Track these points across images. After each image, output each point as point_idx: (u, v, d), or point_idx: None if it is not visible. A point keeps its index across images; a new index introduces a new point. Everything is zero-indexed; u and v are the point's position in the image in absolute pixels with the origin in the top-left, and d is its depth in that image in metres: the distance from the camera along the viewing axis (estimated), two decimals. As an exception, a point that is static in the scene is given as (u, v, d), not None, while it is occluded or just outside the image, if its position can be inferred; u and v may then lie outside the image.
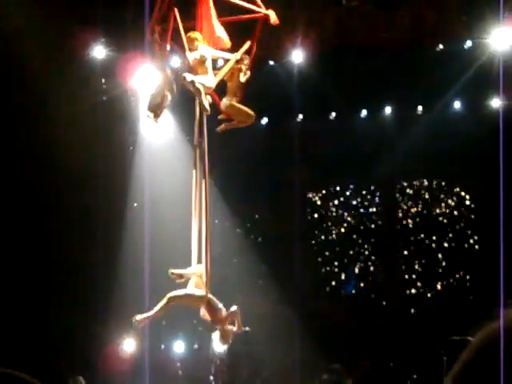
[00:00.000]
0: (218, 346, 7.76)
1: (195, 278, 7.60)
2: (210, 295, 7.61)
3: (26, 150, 14.53)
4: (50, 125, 14.33)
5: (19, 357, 13.61)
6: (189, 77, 7.48)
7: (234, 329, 7.70)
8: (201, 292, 7.58)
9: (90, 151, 14.86)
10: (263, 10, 7.84)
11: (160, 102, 7.90)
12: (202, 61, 7.64)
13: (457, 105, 17.08)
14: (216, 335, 7.75)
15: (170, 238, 14.09)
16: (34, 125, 14.32)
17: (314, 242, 19.39)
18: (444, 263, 18.73)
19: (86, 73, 14.56)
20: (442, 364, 10.95)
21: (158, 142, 14.87)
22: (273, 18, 7.85)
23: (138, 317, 7.48)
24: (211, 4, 7.76)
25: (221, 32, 7.87)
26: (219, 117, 8.13)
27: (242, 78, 7.88)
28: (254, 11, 7.89)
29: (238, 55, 7.87)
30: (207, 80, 7.63)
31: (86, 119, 14.67)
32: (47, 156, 14.51)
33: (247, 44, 7.94)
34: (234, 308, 7.72)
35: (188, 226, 7.89)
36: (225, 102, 7.96)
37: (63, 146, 14.30)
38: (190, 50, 7.64)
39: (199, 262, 7.68)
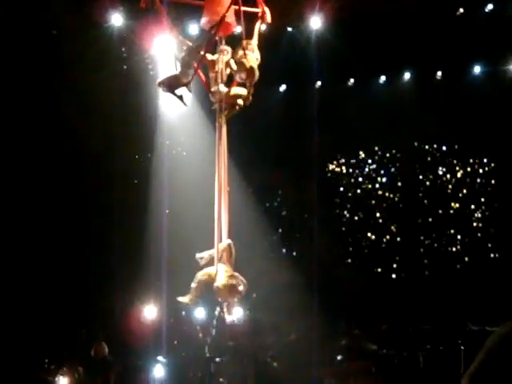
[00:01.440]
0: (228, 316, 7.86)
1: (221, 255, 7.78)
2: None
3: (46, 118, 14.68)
4: (70, 92, 14.45)
5: (44, 324, 13.90)
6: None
7: (241, 288, 7.78)
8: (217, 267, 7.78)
9: (111, 119, 14.97)
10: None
11: (184, 83, 7.92)
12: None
13: (477, 69, 16.94)
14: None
15: (192, 212, 14.25)
16: (54, 91, 14.45)
17: (334, 209, 19.37)
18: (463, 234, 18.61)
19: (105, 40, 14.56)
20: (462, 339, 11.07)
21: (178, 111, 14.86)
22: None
23: (181, 299, 7.80)
24: None
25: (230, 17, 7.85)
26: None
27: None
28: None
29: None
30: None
31: (106, 87, 14.74)
32: (67, 122, 14.65)
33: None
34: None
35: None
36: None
37: (83, 114, 14.43)
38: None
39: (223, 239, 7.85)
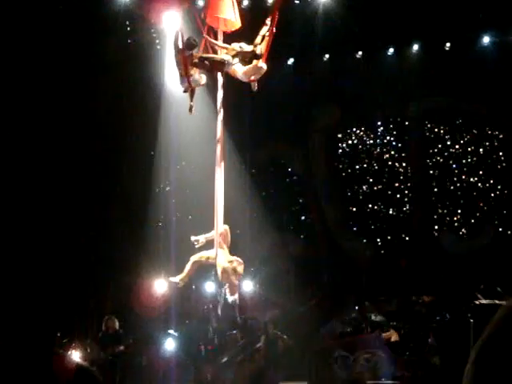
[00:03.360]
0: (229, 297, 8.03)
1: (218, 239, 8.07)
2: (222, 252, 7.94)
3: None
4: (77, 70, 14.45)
5: (55, 299, 13.99)
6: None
7: (239, 269, 7.96)
8: (217, 251, 8.03)
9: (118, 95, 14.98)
10: None
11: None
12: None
13: (485, 40, 16.80)
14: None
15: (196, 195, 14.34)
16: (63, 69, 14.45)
17: (343, 180, 19.32)
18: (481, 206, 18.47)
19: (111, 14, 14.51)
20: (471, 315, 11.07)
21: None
22: None
23: (173, 279, 8.35)
24: None
25: (230, 14, 7.92)
26: None
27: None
28: None
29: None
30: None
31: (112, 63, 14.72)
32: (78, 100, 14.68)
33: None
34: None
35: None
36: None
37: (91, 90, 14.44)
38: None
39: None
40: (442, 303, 14.85)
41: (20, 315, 13.20)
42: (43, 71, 14.26)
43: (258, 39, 7.89)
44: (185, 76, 7.97)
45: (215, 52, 8.18)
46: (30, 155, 14.34)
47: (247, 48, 7.99)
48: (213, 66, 8.04)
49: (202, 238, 8.26)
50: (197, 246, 8.29)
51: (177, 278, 8.32)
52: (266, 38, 7.85)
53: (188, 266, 8.21)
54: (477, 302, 11.32)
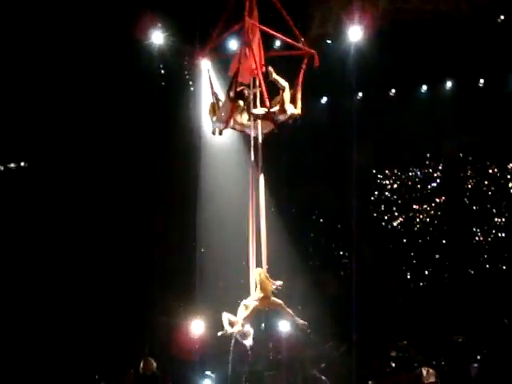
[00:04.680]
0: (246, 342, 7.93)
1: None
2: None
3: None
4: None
5: (94, 339, 14.04)
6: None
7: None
8: (253, 302, 7.99)
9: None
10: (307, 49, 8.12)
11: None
12: None
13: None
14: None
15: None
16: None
17: (376, 219, 19.25)
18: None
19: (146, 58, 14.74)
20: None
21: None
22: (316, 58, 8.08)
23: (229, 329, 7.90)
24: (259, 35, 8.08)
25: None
26: None
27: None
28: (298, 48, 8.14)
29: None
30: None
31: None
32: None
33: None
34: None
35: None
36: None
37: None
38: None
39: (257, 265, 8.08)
40: (476, 342, 14.71)
41: (60, 357, 13.27)
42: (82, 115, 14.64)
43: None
44: (224, 121, 8.17)
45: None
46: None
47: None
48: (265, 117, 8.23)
49: (229, 331, 8.06)
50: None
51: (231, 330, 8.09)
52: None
53: (237, 328, 7.94)
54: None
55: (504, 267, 18.09)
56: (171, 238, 15.77)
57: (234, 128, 8.38)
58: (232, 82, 8.08)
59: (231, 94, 8.08)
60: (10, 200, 15.19)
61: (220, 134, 8.35)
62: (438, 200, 19.11)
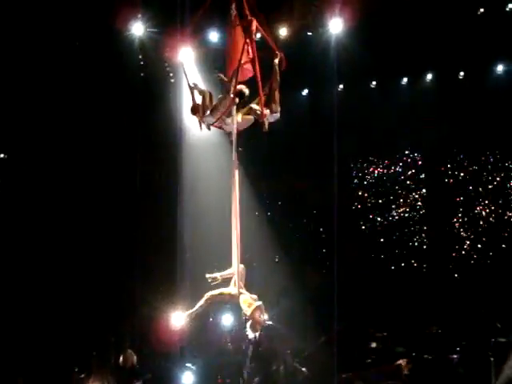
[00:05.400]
0: (250, 334, 8.04)
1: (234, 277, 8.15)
2: (241, 291, 8.08)
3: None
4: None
5: (73, 332, 13.99)
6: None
7: (263, 319, 8.01)
8: (233, 290, 8.12)
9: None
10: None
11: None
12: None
13: (499, 68, 16.81)
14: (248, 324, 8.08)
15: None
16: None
17: (357, 212, 19.29)
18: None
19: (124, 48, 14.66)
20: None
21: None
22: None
23: (186, 313, 8.42)
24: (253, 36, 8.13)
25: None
26: None
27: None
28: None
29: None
30: None
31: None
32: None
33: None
34: (258, 303, 7.95)
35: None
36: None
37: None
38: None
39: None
40: (455, 335, 14.80)
41: (38, 350, 13.21)
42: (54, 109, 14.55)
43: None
44: (218, 116, 8.17)
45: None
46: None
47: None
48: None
49: (218, 276, 8.33)
50: (213, 284, 8.33)
51: (189, 312, 8.39)
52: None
53: (200, 302, 8.26)
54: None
55: (483, 260, 18.19)
56: (152, 231, 15.70)
57: (212, 124, 8.40)
58: (232, 78, 8.10)
59: (232, 90, 8.08)
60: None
61: (208, 128, 8.38)
62: (418, 192, 19.16)
